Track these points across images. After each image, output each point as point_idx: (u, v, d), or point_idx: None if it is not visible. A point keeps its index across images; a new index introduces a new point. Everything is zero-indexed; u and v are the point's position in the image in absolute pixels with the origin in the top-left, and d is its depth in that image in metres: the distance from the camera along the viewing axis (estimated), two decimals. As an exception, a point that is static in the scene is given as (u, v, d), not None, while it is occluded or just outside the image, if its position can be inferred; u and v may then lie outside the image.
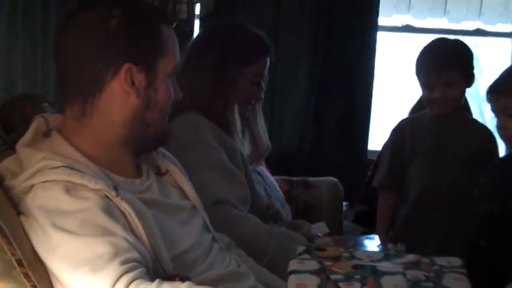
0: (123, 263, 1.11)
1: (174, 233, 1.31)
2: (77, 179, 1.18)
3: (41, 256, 1.16)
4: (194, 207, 1.45)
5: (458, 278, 1.25)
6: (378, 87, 3.45)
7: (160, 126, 1.35)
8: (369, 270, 1.24)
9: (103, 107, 1.27)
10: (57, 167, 1.20)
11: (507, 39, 3.62)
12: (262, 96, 1.99)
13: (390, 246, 1.96)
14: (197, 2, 3.15)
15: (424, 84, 2.15)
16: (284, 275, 1.28)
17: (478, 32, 3.53)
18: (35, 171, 1.20)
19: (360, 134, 3.41)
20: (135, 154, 1.36)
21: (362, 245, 2.11)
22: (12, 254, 1.13)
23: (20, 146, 1.27)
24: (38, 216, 1.16)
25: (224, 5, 3.28)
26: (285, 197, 2.21)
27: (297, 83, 3.37)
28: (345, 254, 1.33)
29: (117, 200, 1.19)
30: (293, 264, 1.27)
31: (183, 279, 1.16)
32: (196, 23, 3.24)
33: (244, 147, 1.98)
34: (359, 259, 1.31)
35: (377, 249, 2.05)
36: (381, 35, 3.40)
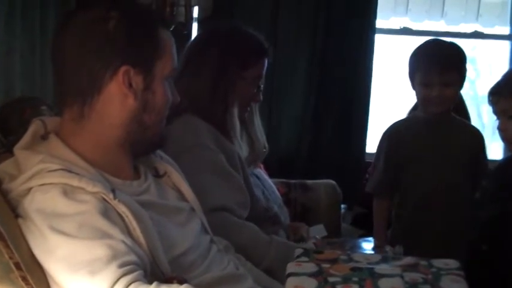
0: (121, 265, 1.11)
1: (171, 235, 1.31)
2: (74, 181, 1.18)
3: (39, 259, 1.16)
4: (192, 209, 1.45)
5: (455, 280, 1.26)
6: (376, 89, 3.46)
7: (158, 129, 1.35)
8: (366, 273, 1.24)
9: (101, 109, 1.28)
10: (55, 170, 1.20)
11: (505, 42, 3.62)
12: (261, 98, 2.00)
13: (388, 248, 1.96)
14: (195, 5, 3.15)
15: (421, 83, 2.15)
16: (282, 282, 1.28)
17: (476, 35, 3.53)
18: (33, 174, 1.20)
19: (358, 136, 3.42)
20: (133, 156, 1.36)
21: (360, 247, 2.12)
22: (10, 257, 1.13)
23: (17, 149, 1.27)
24: (36, 219, 1.16)
25: (222, 7, 3.28)
26: (283, 200, 2.21)
27: (295, 86, 3.37)
28: (342, 257, 1.33)
29: (114, 202, 1.19)
30: (291, 267, 1.27)
31: (181, 282, 1.16)
32: (194, 26, 3.24)
33: (242, 149, 1.98)
34: (357, 261, 1.31)
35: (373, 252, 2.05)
36: (378, 38, 3.40)
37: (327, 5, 3.32)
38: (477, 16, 3.50)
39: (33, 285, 1.13)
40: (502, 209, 1.92)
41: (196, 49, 1.98)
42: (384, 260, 1.34)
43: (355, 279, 1.21)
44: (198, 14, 3.25)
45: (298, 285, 1.20)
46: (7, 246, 1.13)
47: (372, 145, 3.46)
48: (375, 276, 1.23)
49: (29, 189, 1.20)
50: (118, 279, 1.09)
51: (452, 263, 1.32)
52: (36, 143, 1.29)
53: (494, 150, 3.24)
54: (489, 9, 3.51)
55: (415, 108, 2.94)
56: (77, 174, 1.20)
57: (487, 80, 3.43)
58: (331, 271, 1.24)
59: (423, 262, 1.31)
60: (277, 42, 3.25)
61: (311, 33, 3.34)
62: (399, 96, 3.59)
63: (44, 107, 1.51)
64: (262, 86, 1.98)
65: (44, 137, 1.30)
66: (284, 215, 2.09)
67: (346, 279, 1.21)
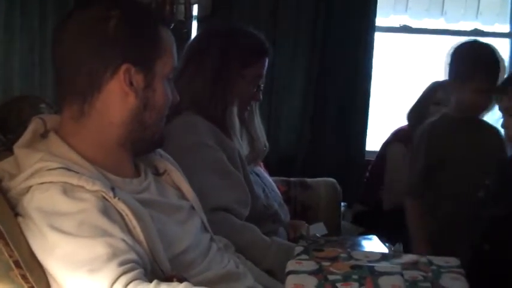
0: (121, 264, 1.11)
1: (171, 233, 1.31)
2: (74, 180, 1.18)
3: (39, 257, 1.16)
4: (192, 207, 1.44)
5: (455, 277, 1.26)
6: (376, 87, 3.46)
7: (158, 128, 1.35)
8: (366, 271, 1.24)
9: (101, 107, 1.27)
10: (55, 169, 1.19)
11: (505, 40, 3.62)
12: (261, 97, 2.00)
13: (388, 246, 1.96)
14: (195, 3, 3.15)
15: (477, 90, 2.12)
16: (283, 282, 1.28)
17: (476, 33, 3.53)
18: (32, 173, 1.20)
19: (358, 134, 3.42)
20: (133, 155, 1.36)
21: (360, 245, 2.11)
22: (10, 256, 1.13)
23: (17, 147, 1.27)
24: (36, 217, 1.16)
25: (221, 5, 3.28)
26: (283, 198, 2.21)
27: (295, 84, 3.37)
28: (342, 255, 1.33)
29: (114, 201, 1.19)
30: (291, 265, 1.27)
31: (180, 280, 1.16)
32: (194, 24, 3.24)
33: (242, 147, 1.98)
34: (357, 259, 1.31)
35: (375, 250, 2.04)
36: (378, 36, 3.40)
37: (327, 3, 3.32)
38: (477, 14, 3.50)
39: (33, 283, 1.13)
40: (506, 209, 1.91)
41: (196, 48, 1.98)
42: (384, 258, 1.34)
43: (355, 277, 1.22)
44: (198, 12, 3.25)
45: (298, 283, 1.20)
46: (7, 244, 1.13)
47: (372, 143, 3.46)
48: (375, 274, 1.23)
49: (29, 188, 1.20)
50: (118, 278, 1.09)
51: (453, 261, 1.32)
52: (36, 141, 1.29)
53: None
54: (489, 7, 3.51)
55: (416, 106, 2.94)
56: (77, 172, 1.20)
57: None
58: (331, 269, 1.25)
59: (423, 260, 1.32)
60: (276, 40, 3.25)
61: (310, 30, 3.34)
62: (399, 94, 3.60)
63: (43, 105, 1.51)
64: (262, 85, 1.98)
65: (44, 135, 1.30)
66: (284, 213, 2.09)
67: (346, 277, 1.21)
